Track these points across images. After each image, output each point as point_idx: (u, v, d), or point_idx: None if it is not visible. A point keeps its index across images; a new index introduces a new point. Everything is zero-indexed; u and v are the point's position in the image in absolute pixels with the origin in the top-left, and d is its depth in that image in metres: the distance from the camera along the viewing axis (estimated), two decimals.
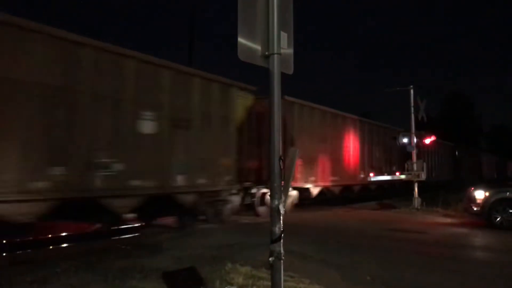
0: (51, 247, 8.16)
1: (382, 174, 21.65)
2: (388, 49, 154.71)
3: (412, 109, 19.05)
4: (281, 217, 3.01)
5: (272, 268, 3.04)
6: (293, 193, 14.15)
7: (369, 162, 20.61)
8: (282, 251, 3.02)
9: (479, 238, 11.09)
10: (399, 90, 19.48)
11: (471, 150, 43.33)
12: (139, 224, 9.92)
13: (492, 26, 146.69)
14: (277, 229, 2.98)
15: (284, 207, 3.00)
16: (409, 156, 19.32)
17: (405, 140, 19.00)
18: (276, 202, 2.98)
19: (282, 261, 3.02)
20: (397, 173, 22.09)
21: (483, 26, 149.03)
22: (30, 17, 7.51)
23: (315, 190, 16.14)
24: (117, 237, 9.53)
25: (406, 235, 11.14)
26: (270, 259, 2.98)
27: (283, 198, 3.00)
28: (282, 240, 3.02)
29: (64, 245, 8.44)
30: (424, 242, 10.21)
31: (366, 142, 20.34)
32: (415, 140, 18.94)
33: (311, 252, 8.15)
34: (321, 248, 8.84)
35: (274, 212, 2.99)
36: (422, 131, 21.94)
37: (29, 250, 7.70)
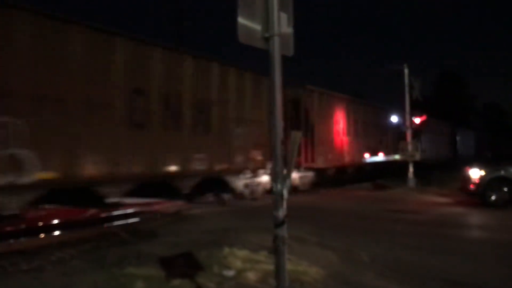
0: (43, 235, 8.06)
1: (377, 155, 21.61)
2: (379, 28, 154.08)
3: (407, 88, 18.83)
4: (284, 202, 2.91)
5: (276, 253, 2.97)
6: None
7: (364, 143, 20.54)
8: (286, 235, 2.94)
9: (475, 217, 11.12)
10: (394, 69, 19.28)
11: (466, 129, 43.64)
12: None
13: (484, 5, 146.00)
14: (280, 213, 2.90)
15: (287, 191, 2.91)
16: (403, 136, 19.20)
17: (400, 120, 18.89)
18: (279, 187, 2.88)
19: (286, 245, 2.94)
20: (392, 154, 22.08)
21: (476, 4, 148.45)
22: None
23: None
24: (111, 224, 9.47)
25: (402, 215, 11.14)
26: (274, 243, 2.90)
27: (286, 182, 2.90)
28: (285, 224, 2.93)
29: (57, 233, 8.34)
30: (421, 222, 10.21)
31: (361, 122, 20.20)
32: (409, 120, 18.81)
33: (308, 234, 8.10)
34: (318, 230, 8.79)
35: (277, 196, 2.90)
36: (416, 111, 21.83)
37: (22, 239, 7.59)
